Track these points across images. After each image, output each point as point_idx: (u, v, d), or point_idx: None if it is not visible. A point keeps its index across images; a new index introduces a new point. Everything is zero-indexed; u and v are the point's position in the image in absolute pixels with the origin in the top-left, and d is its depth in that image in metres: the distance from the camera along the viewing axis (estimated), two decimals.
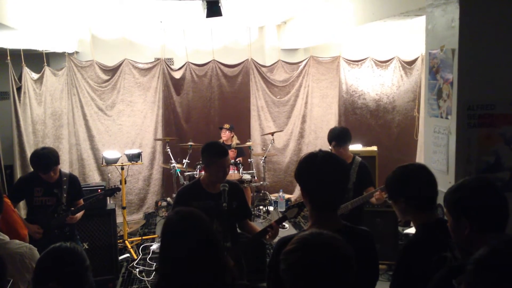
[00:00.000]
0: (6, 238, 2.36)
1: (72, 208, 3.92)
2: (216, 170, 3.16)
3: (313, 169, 1.86)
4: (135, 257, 5.55)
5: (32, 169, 3.89)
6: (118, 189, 4.59)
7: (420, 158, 6.51)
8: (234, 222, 3.37)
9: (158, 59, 7.47)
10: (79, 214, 3.97)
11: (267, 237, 2.92)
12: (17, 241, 2.38)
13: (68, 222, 3.87)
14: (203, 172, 6.32)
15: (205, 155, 3.22)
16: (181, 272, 1.68)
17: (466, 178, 1.92)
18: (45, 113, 6.11)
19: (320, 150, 1.93)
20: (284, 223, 6.60)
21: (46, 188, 3.82)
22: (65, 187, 3.90)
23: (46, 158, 3.72)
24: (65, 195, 3.89)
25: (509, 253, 1.23)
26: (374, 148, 5.92)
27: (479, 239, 1.70)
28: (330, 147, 4.15)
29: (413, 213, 2.17)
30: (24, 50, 5.56)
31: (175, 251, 1.71)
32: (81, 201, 4.10)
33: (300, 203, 2.84)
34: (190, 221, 1.77)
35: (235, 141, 7.14)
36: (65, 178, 3.93)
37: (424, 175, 2.17)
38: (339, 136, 4.06)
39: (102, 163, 6.27)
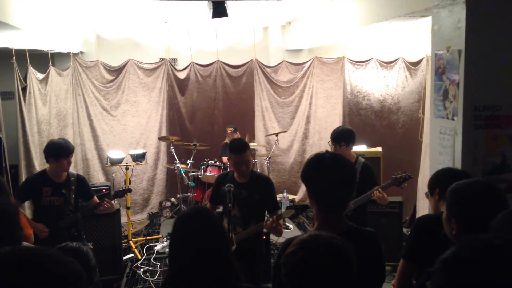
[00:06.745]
0: None
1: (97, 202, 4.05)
2: (233, 164, 3.54)
3: (320, 171, 1.86)
4: (140, 257, 5.56)
5: (38, 170, 3.90)
6: (129, 190, 4.57)
7: (425, 159, 6.47)
8: (257, 213, 3.48)
9: (162, 59, 7.48)
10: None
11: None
12: (24, 243, 2.37)
13: (106, 209, 4.03)
14: (207, 173, 6.44)
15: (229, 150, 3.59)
16: (191, 270, 1.68)
17: (469, 180, 1.95)
18: (50, 113, 6.12)
19: (327, 151, 1.93)
20: (288, 224, 6.62)
21: (54, 188, 3.83)
22: (73, 187, 3.91)
23: (64, 144, 3.82)
24: (73, 196, 3.90)
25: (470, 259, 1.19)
26: (379, 149, 5.91)
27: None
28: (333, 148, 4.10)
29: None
30: (29, 50, 5.57)
31: (187, 250, 1.70)
32: (95, 198, 4.11)
33: (299, 206, 3.10)
34: (202, 219, 1.77)
35: None
36: (72, 178, 3.94)
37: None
38: (340, 135, 4.00)
39: (106, 163, 6.29)
